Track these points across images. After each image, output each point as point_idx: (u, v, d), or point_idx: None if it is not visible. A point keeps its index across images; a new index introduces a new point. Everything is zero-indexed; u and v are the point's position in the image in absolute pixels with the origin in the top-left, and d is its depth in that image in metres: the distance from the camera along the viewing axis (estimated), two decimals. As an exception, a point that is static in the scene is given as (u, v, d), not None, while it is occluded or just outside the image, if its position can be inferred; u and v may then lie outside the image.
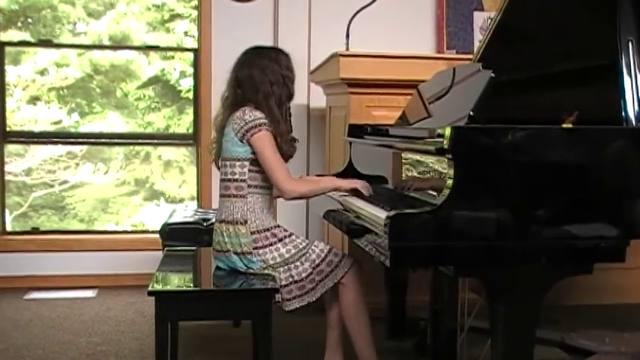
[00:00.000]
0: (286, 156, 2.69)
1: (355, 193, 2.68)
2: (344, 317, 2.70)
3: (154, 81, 4.94)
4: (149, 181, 5.03)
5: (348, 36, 3.72)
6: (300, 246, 2.66)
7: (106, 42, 4.82)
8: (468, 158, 1.95)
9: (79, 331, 3.61)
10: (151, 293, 2.42)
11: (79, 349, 3.33)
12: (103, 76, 4.86)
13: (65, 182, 4.94)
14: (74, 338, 3.49)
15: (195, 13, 4.79)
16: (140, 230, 4.95)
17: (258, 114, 2.64)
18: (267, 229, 2.65)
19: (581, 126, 2.11)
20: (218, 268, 2.73)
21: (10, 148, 4.76)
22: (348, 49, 3.66)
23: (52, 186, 4.92)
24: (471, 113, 2.20)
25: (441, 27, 4.73)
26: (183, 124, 4.94)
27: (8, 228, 4.74)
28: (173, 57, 4.93)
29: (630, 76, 2.17)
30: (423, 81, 3.00)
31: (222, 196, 2.72)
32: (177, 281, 2.61)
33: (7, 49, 4.67)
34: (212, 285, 2.63)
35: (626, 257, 2.04)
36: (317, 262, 2.63)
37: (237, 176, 2.67)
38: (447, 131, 1.94)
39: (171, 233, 3.58)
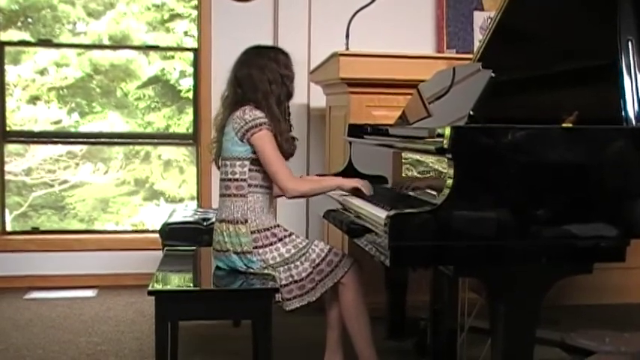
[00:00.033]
0: (287, 154, 2.70)
1: (356, 192, 2.68)
2: (344, 317, 2.70)
3: (153, 81, 4.94)
4: (149, 181, 5.03)
5: (347, 36, 3.71)
6: (300, 245, 2.66)
7: (106, 42, 4.83)
8: (468, 158, 1.95)
9: (79, 330, 3.61)
10: (151, 293, 2.42)
11: (79, 348, 3.33)
12: (103, 75, 4.86)
13: (65, 182, 4.94)
14: (74, 338, 3.49)
15: (195, 12, 4.79)
16: (140, 230, 4.96)
17: (259, 113, 2.64)
18: (268, 229, 2.65)
19: (581, 126, 2.12)
20: (218, 267, 2.73)
21: (10, 147, 4.76)
22: (347, 48, 3.66)
23: (52, 186, 4.92)
24: (471, 113, 2.19)
25: (441, 27, 4.73)
26: (183, 123, 4.94)
27: (8, 228, 4.74)
28: (173, 57, 4.93)
29: (630, 76, 2.17)
30: (422, 81, 3.00)
31: (222, 195, 2.72)
32: (177, 281, 2.61)
33: (7, 48, 4.67)
34: (212, 285, 2.63)
35: (626, 257, 2.04)
36: (317, 261, 2.63)
37: (237, 176, 2.67)
38: (447, 131, 1.94)
39: (171, 233, 3.58)
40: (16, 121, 4.76)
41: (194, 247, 3.17)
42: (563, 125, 2.13)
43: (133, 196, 5.04)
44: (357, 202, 2.53)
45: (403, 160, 2.42)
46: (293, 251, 2.64)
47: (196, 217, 3.75)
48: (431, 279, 2.86)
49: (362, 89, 3.54)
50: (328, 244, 2.74)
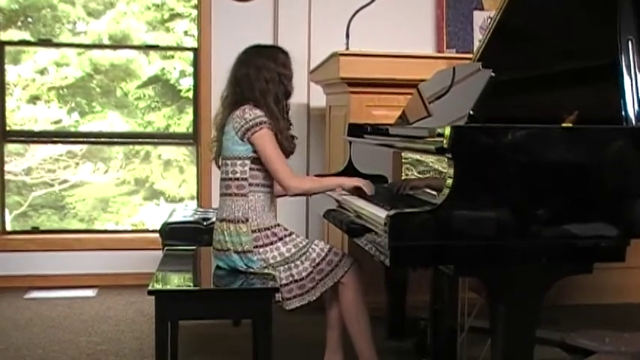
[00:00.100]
0: (287, 152, 2.70)
1: (358, 191, 2.68)
2: (344, 317, 2.70)
3: (153, 80, 4.94)
4: (149, 181, 5.03)
5: (347, 35, 3.71)
6: (301, 245, 2.66)
7: (106, 41, 4.82)
8: (468, 157, 1.95)
9: (79, 330, 3.61)
10: (151, 292, 2.42)
11: (79, 348, 3.33)
12: (103, 75, 4.86)
13: (65, 182, 4.94)
14: (74, 337, 3.49)
15: (195, 12, 4.79)
16: (140, 230, 4.96)
17: (259, 112, 2.64)
18: (268, 228, 2.65)
19: (581, 125, 2.12)
20: (218, 267, 2.73)
21: (10, 147, 4.76)
22: (348, 48, 3.66)
23: (52, 185, 4.92)
24: (471, 112, 2.20)
25: (441, 26, 4.73)
26: (183, 123, 4.94)
27: (8, 227, 4.74)
28: (173, 56, 4.93)
29: (630, 76, 2.17)
30: (423, 80, 3.00)
31: (223, 195, 2.72)
32: (177, 281, 2.61)
33: (7, 48, 4.67)
34: (212, 284, 2.63)
35: (626, 257, 2.04)
36: (317, 261, 2.63)
37: (238, 175, 2.67)
38: (447, 130, 1.94)
39: (171, 233, 3.58)
40: (16, 120, 4.76)
41: (194, 247, 3.17)
42: (563, 125, 2.13)
43: (133, 196, 5.04)
44: (357, 202, 2.53)
45: (403, 160, 2.42)
46: (293, 250, 2.64)
47: (196, 216, 3.75)
48: (431, 279, 2.86)
49: (362, 89, 3.54)
50: (328, 243, 2.75)
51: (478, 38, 4.61)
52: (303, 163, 4.50)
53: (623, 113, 2.14)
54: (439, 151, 2.02)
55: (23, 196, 4.86)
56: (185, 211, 3.95)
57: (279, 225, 2.69)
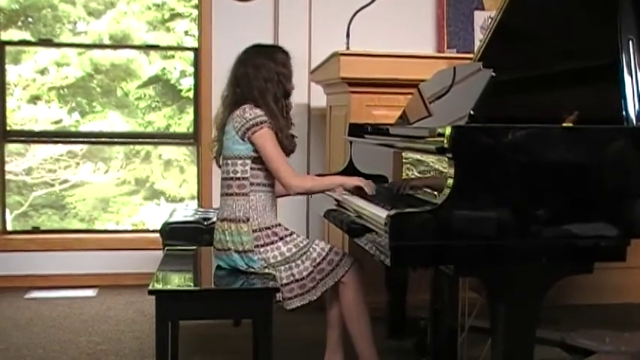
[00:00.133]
0: (287, 151, 2.70)
1: (358, 191, 2.68)
2: (344, 316, 2.70)
3: (154, 80, 4.94)
4: (149, 181, 5.03)
5: (348, 35, 3.72)
6: (301, 245, 2.66)
7: (107, 41, 4.83)
8: (469, 157, 1.95)
9: (80, 330, 3.62)
10: (151, 292, 2.42)
11: (80, 348, 3.34)
12: (104, 75, 4.87)
13: (65, 181, 4.94)
14: (74, 337, 3.49)
15: (195, 12, 4.79)
16: (140, 229, 4.96)
17: (259, 111, 2.64)
18: (269, 228, 2.65)
19: (582, 125, 2.12)
20: (219, 267, 2.73)
21: (11, 147, 4.76)
22: (348, 48, 3.66)
23: (52, 185, 4.92)
24: (472, 112, 2.20)
25: (442, 26, 4.73)
26: (184, 123, 4.94)
27: (9, 227, 4.74)
28: (173, 56, 4.93)
29: (631, 76, 2.17)
30: (423, 80, 3.00)
31: (224, 194, 2.72)
32: (178, 280, 2.61)
33: (8, 48, 4.67)
34: (212, 284, 2.63)
35: (627, 256, 2.04)
36: (318, 260, 2.63)
37: (239, 174, 2.67)
38: (448, 130, 1.94)
39: (172, 232, 3.58)
40: (16, 120, 4.76)
41: (194, 247, 3.17)
42: (564, 125, 2.13)
43: (134, 196, 5.04)
44: (357, 202, 2.53)
45: (404, 160, 2.42)
46: (294, 250, 2.64)
47: (197, 216, 3.75)
48: (431, 278, 2.86)
49: (362, 89, 3.54)
50: (329, 243, 2.75)
51: (479, 38, 4.61)
52: (304, 163, 4.50)
53: (623, 113, 2.14)
54: (439, 151, 2.02)
55: (24, 196, 4.86)
56: (185, 211, 3.95)
57: (279, 224, 2.69)
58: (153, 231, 4.57)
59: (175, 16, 4.87)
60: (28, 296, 4.29)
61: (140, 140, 4.93)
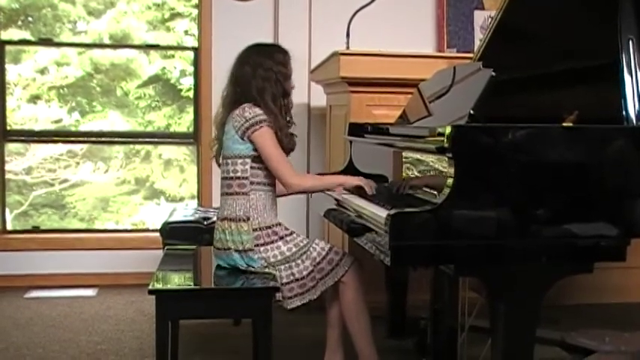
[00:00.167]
0: (287, 150, 2.70)
1: (358, 191, 2.68)
2: (344, 316, 2.71)
3: (154, 80, 4.94)
4: (149, 180, 5.03)
5: (348, 35, 3.71)
6: (301, 244, 2.66)
7: (107, 41, 4.83)
8: (469, 157, 1.95)
9: (80, 329, 3.62)
10: (151, 292, 2.42)
11: (80, 347, 3.34)
12: (104, 74, 4.87)
13: (65, 181, 4.94)
14: (74, 337, 3.49)
15: (195, 11, 4.79)
16: (140, 229, 4.96)
17: (258, 110, 2.64)
18: (269, 227, 2.65)
19: (582, 125, 2.11)
20: (219, 266, 2.73)
21: (11, 146, 4.76)
22: (348, 47, 3.66)
23: (52, 185, 4.92)
24: (472, 112, 2.19)
25: (442, 26, 4.73)
26: (184, 122, 4.94)
27: (9, 227, 4.74)
28: (173, 56, 4.93)
29: (631, 75, 2.17)
30: (423, 80, 3.00)
31: (224, 194, 2.72)
32: (178, 280, 2.61)
33: (8, 47, 4.67)
34: (212, 284, 2.63)
35: (627, 256, 2.04)
36: (318, 260, 2.63)
37: (239, 174, 2.67)
38: (448, 130, 1.94)
39: (172, 232, 3.58)
40: (16, 120, 4.76)
41: (194, 246, 3.17)
42: (564, 124, 2.13)
43: (134, 195, 5.04)
44: (357, 202, 2.53)
45: (404, 160, 2.42)
46: (294, 250, 2.64)
47: (197, 216, 3.75)
48: (431, 278, 2.86)
49: (362, 88, 3.54)
50: (329, 243, 2.75)
51: (479, 38, 4.61)
52: (304, 163, 4.50)
53: (623, 113, 2.14)
54: (440, 151, 2.02)
55: (24, 196, 4.86)
56: (185, 211, 3.95)
57: (280, 224, 2.69)
58: (153, 230, 4.57)
59: (175, 15, 4.87)
60: (28, 296, 4.29)
61: (140, 140, 4.93)
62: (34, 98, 4.80)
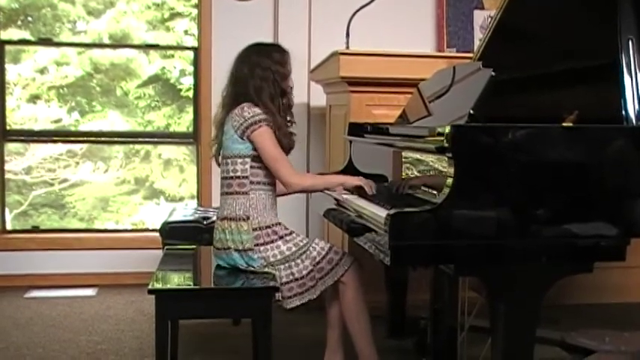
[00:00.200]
0: (286, 149, 2.70)
1: (358, 191, 2.68)
2: (344, 316, 2.70)
3: (154, 79, 4.94)
4: (149, 180, 5.03)
5: (348, 35, 3.71)
6: (301, 244, 2.66)
7: (106, 40, 4.83)
8: (468, 157, 1.95)
9: (79, 329, 3.62)
10: (151, 292, 2.42)
11: (79, 347, 3.34)
12: (103, 74, 4.86)
13: (65, 181, 4.94)
14: (74, 337, 3.49)
15: (195, 11, 4.79)
16: (140, 229, 4.96)
17: (257, 110, 2.64)
18: (269, 226, 2.65)
19: (582, 125, 2.11)
20: (218, 266, 2.73)
21: (10, 146, 4.76)
22: (348, 47, 3.66)
23: (52, 184, 4.92)
24: (471, 112, 2.19)
25: (441, 26, 4.73)
26: (184, 122, 4.94)
27: (8, 227, 4.74)
28: (173, 55, 4.93)
29: (630, 75, 2.17)
30: (423, 80, 3.00)
31: (224, 193, 2.72)
32: (178, 280, 2.61)
33: (7, 47, 4.67)
34: (212, 283, 2.63)
35: (627, 256, 2.04)
36: (317, 259, 2.63)
37: (239, 173, 2.67)
38: (447, 130, 1.94)
39: (172, 232, 3.58)
40: (16, 119, 4.76)
41: (194, 246, 3.17)
42: (564, 124, 2.13)
43: (133, 195, 5.04)
44: (357, 201, 2.53)
45: (403, 159, 2.41)
46: (294, 249, 2.64)
47: (196, 215, 3.75)
48: (431, 278, 2.86)
49: (362, 88, 3.54)
50: (328, 242, 2.75)
51: (478, 37, 4.61)
52: (304, 163, 4.50)
53: (623, 113, 2.14)
54: (439, 151, 2.02)
55: (23, 196, 4.86)
56: (185, 211, 3.95)
57: (279, 223, 2.69)
58: (152, 230, 4.57)
59: (175, 15, 4.87)
60: (28, 295, 4.28)
61: (140, 140, 4.93)
62: (34, 98, 4.80)
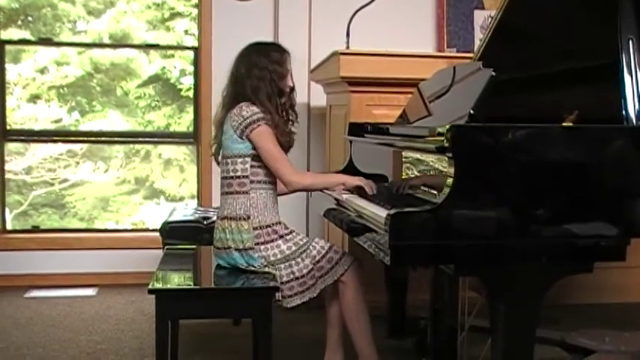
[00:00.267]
0: (285, 148, 2.70)
1: (358, 190, 2.68)
2: (344, 316, 2.71)
3: (154, 79, 4.94)
4: (149, 180, 5.03)
5: (348, 34, 3.71)
6: (301, 243, 2.66)
7: (107, 40, 4.83)
8: (469, 157, 1.95)
9: (80, 329, 3.62)
10: (151, 291, 2.42)
11: (80, 347, 3.34)
12: (104, 74, 4.87)
13: (65, 181, 4.94)
14: (74, 336, 3.49)
15: (195, 11, 4.79)
16: (140, 229, 4.96)
17: (255, 109, 2.64)
18: (269, 225, 2.65)
19: (582, 125, 2.11)
20: (218, 266, 2.73)
21: (11, 146, 4.76)
22: (348, 47, 3.66)
23: (52, 184, 4.92)
24: (472, 112, 2.19)
25: (442, 25, 4.73)
26: (184, 122, 4.94)
27: (8, 226, 4.74)
28: (173, 55, 4.93)
29: (631, 75, 2.17)
30: (423, 79, 3.00)
31: (224, 193, 2.72)
32: (178, 280, 2.61)
33: (8, 47, 4.67)
34: (212, 283, 2.63)
35: (627, 256, 2.04)
36: (317, 258, 2.63)
37: (239, 173, 2.67)
38: (448, 129, 1.94)
39: (172, 232, 3.58)
40: (16, 119, 4.76)
41: (194, 246, 3.17)
42: (564, 124, 2.13)
43: (133, 195, 5.04)
44: (357, 201, 2.53)
45: (403, 159, 2.42)
46: (294, 248, 2.64)
47: (197, 215, 3.75)
48: (431, 278, 2.86)
49: (362, 88, 3.54)
50: (328, 242, 2.75)
51: (479, 37, 4.61)
52: (304, 163, 4.50)
53: (623, 113, 2.14)
54: (439, 151, 2.02)
55: (23, 195, 4.86)
56: (185, 210, 3.95)
57: (280, 222, 2.69)
58: (153, 230, 4.57)
59: (175, 15, 4.87)
60: (28, 295, 4.29)
61: (140, 139, 4.93)
62: (34, 98, 4.80)
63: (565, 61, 2.39)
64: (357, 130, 3.11)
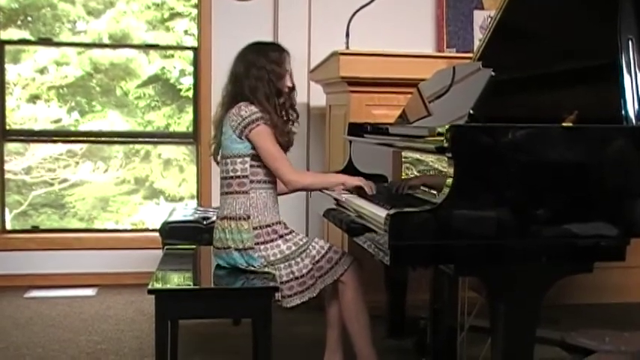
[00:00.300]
0: (284, 147, 2.69)
1: (358, 191, 2.68)
2: (344, 316, 2.71)
3: (153, 79, 4.94)
4: (149, 180, 5.03)
5: (348, 35, 3.71)
6: (301, 243, 2.66)
7: (106, 40, 4.83)
8: (468, 157, 1.95)
9: (79, 329, 3.61)
10: (151, 292, 2.42)
11: (79, 347, 3.33)
12: (103, 74, 4.86)
13: (65, 181, 4.94)
14: (74, 337, 3.49)
15: (195, 11, 4.79)
16: (140, 229, 4.96)
17: (254, 108, 2.64)
18: (269, 225, 2.65)
19: (582, 125, 2.11)
20: (218, 266, 2.73)
21: (10, 146, 4.75)
22: (348, 47, 3.66)
23: (51, 184, 4.92)
24: (471, 112, 2.19)
25: (441, 26, 4.73)
26: (183, 122, 4.94)
27: (8, 226, 4.74)
28: (173, 55, 4.93)
29: (630, 75, 2.17)
30: (423, 80, 3.00)
31: (224, 193, 2.72)
32: (177, 280, 2.61)
33: (7, 47, 4.67)
34: (212, 283, 2.63)
35: (627, 256, 2.04)
36: (317, 258, 2.63)
37: (238, 173, 2.67)
38: (447, 130, 1.94)
39: (171, 232, 3.58)
40: (16, 119, 4.76)
41: (194, 246, 3.17)
42: (564, 124, 2.13)
43: (133, 195, 5.04)
44: (357, 201, 2.53)
45: (403, 159, 2.41)
46: (293, 248, 2.64)
47: (196, 215, 3.75)
48: (431, 278, 2.86)
49: (362, 88, 3.54)
50: (328, 242, 2.75)
51: (478, 37, 4.61)
52: (304, 162, 4.51)
53: (623, 113, 2.14)
54: (439, 151, 2.02)
55: (23, 195, 4.86)
56: (185, 211, 3.95)
57: (280, 222, 2.69)
58: (152, 230, 4.57)
59: (175, 15, 4.87)
60: (28, 295, 4.28)
61: (140, 139, 4.93)
62: (34, 98, 4.80)
63: (565, 61, 2.39)
64: (357, 130, 3.11)
